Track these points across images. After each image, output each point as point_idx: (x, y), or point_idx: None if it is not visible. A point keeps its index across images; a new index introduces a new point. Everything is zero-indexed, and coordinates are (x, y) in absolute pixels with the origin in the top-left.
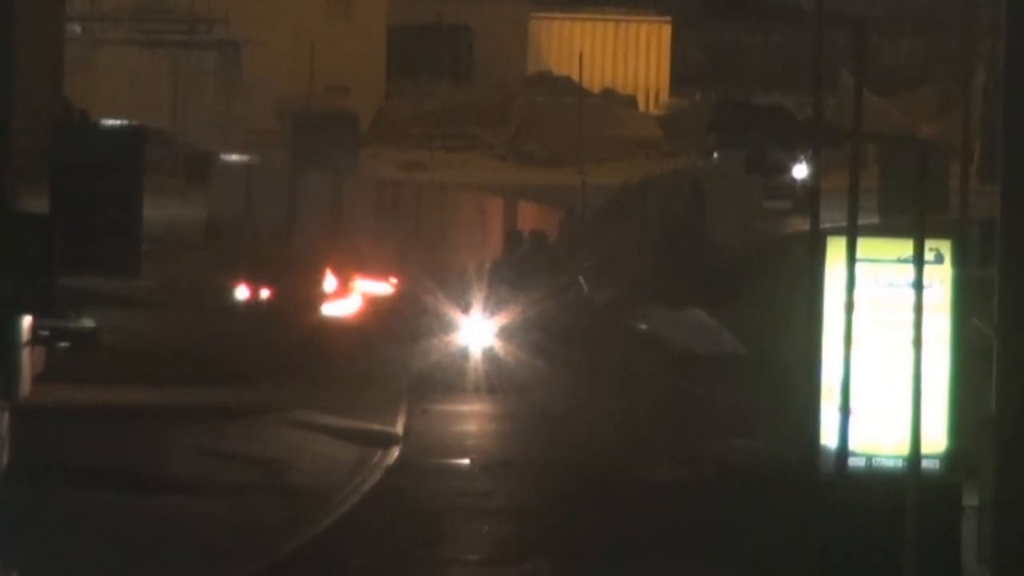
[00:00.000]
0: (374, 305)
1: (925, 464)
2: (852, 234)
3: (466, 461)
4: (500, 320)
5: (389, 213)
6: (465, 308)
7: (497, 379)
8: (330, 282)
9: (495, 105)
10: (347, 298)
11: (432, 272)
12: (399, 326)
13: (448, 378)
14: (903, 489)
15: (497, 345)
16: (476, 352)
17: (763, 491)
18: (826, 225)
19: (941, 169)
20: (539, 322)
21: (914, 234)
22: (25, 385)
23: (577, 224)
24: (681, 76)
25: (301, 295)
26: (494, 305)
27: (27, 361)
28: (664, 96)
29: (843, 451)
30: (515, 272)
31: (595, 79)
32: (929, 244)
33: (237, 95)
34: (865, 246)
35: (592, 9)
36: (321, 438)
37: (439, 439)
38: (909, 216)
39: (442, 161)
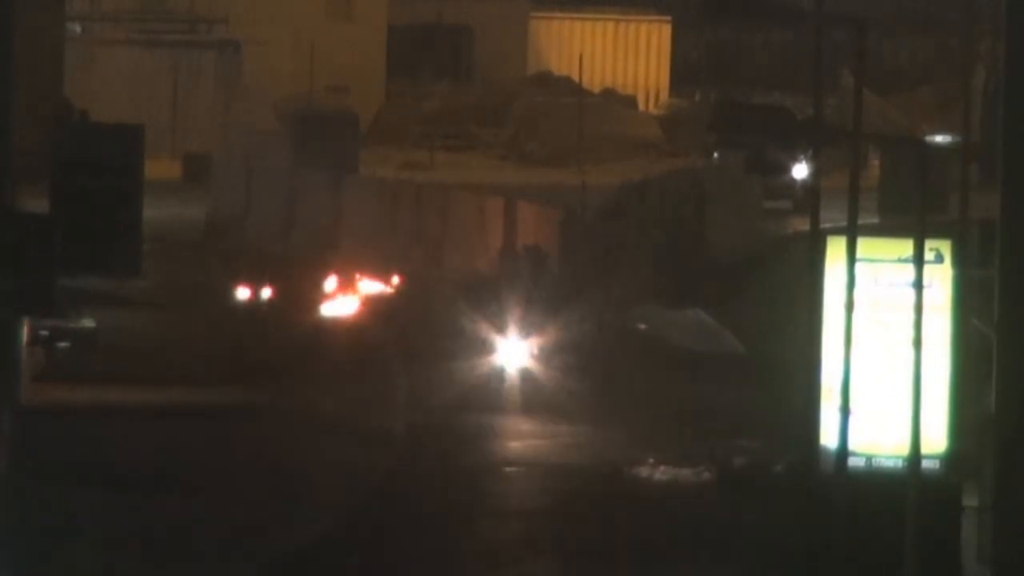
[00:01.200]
0: (373, 305)
1: (925, 464)
2: (852, 234)
3: (470, 461)
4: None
5: (389, 213)
6: (499, 329)
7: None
8: (330, 282)
9: (495, 105)
10: (347, 298)
11: (433, 274)
12: (400, 330)
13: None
14: (903, 489)
15: (527, 365)
16: (509, 372)
17: (763, 491)
18: (826, 225)
19: (941, 169)
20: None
21: (914, 234)
22: (24, 385)
23: (577, 226)
24: (681, 76)
25: (301, 295)
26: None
27: (26, 361)
28: (664, 96)
29: (843, 451)
30: (518, 291)
31: (595, 79)
32: (929, 244)
33: (237, 95)
34: (865, 246)
35: (592, 9)
36: (323, 437)
37: (444, 439)
38: (909, 216)
39: (442, 161)
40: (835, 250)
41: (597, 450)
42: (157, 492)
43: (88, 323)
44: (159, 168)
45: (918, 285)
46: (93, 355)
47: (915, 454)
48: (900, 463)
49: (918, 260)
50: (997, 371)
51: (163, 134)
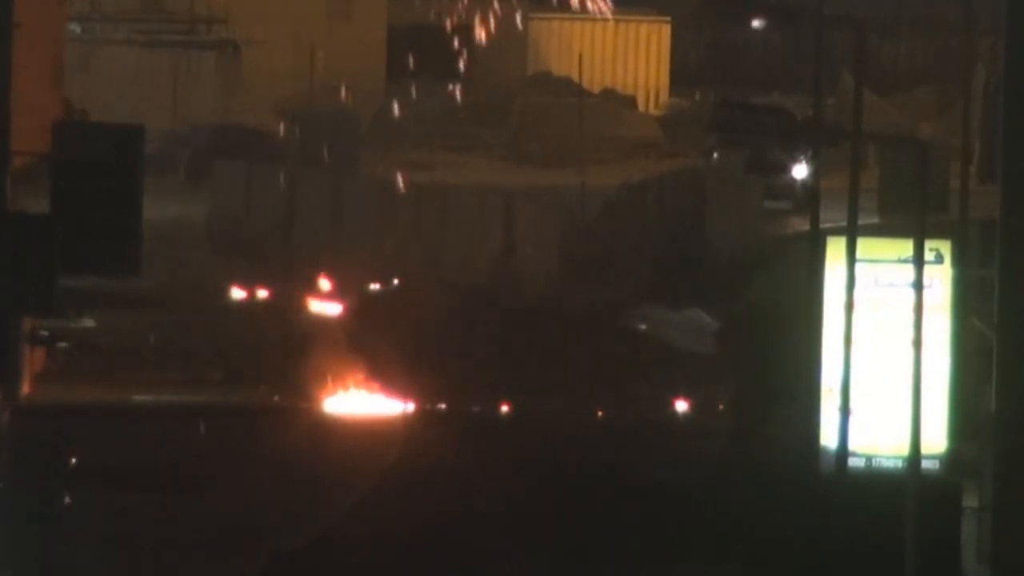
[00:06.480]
0: (372, 304)
1: (925, 464)
2: (852, 234)
3: (477, 464)
4: None
5: (389, 213)
6: None
7: None
8: (328, 282)
9: (495, 105)
10: (345, 297)
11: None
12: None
13: None
14: (903, 489)
15: None
16: None
17: (763, 491)
18: (826, 225)
19: (941, 169)
20: None
21: (914, 234)
22: (24, 385)
23: (577, 226)
24: (681, 76)
25: (299, 295)
26: None
27: (26, 361)
28: (664, 96)
29: (843, 451)
30: None
31: (595, 79)
32: (929, 244)
33: (237, 95)
34: (865, 246)
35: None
36: (325, 436)
37: (446, 435)
38: (909, 216)
39: (442, 161)
40: (835, 250)
41: (597, 448)
42: (157, 492)
43: (88, 323)
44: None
45: (918, 285)
46: (93, 355)
47: (915, 454)
48: (900, 463)
49: (918, 260)
50: (997, 371)
51: (163, 134)
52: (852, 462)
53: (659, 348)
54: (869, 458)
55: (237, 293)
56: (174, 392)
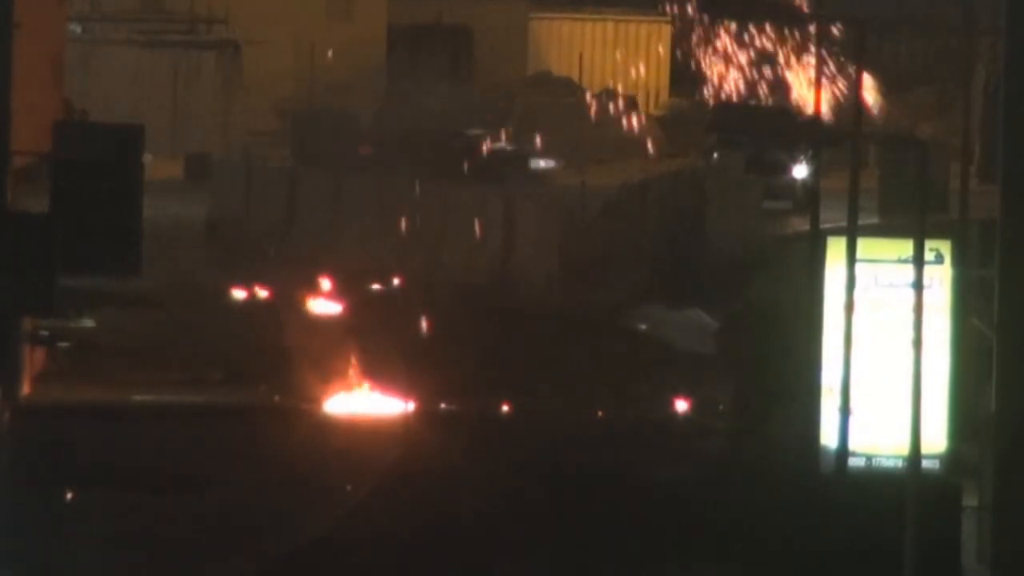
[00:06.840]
0: (372, 304)
1: (925, 464)
2: (852, 234)
3: (472, 467)
4: None
5: (389, 213)
6: None
7: None
8: (329, 282)
9: (495, 105)
10: (346, 297)
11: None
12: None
13: None
14: (903, 489)
15: None
16: None
17: (763, 491)
18: (826, 225)
19: (941, 169)
20: None
21: (914, 234)
22: (23, 384)
23: (577, 226)
24: (681, 76)
25: (299, 295)
26: None
27: (26, 361)
28: (664, 96)
29: (843, 451)
30: None
31: (595, 79)
32: (929, 244)
33: (237, 95)
34: (865, 246)
35: (592, 9)
36: (326, 435)
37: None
38: (909, 216)
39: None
40: (835, 250)
41: (595, 448)
42: (157, 491)
43: (88, 323)
44: (159, 168)
45: (918, 285)
46: (93, 355)
47: (915, 454)
48: (900, 463)
49: (918, 260)
50: (997, 371)
51: (163, 134)
52: (852, 462)
53: (659, 348)
54: (869, 458)
55: (237, 293)
56: (174, 392)
